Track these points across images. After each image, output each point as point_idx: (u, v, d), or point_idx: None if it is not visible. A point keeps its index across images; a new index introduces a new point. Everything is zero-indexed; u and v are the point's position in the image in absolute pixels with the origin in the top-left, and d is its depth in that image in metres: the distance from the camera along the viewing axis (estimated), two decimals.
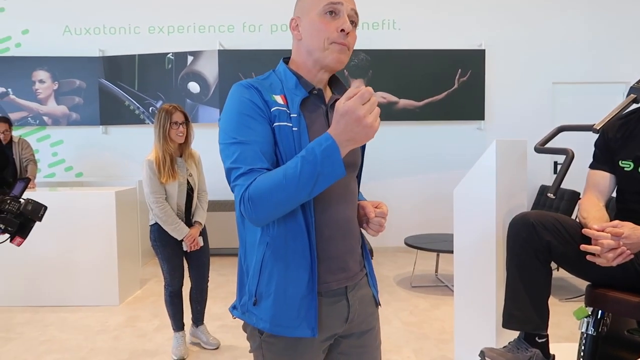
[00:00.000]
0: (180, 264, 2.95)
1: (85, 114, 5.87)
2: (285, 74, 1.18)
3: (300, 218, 1.09)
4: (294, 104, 1.11)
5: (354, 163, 1.21)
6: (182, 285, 2.98)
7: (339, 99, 1.08)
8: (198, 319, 3.14)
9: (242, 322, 1.20)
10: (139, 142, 5.93)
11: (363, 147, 1.25)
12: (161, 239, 2.85)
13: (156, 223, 2.85)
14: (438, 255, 4.63)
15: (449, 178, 5.57)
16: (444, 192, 5.38)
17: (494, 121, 5.87)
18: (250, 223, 1.08)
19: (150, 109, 5.81)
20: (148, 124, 5.83)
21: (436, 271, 4.72)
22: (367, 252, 1.30)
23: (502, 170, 2.24)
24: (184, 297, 3.03)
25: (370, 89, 0.95)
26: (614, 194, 1.91)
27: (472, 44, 5.81)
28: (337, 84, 1.25)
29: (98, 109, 5.85)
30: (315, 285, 1.10)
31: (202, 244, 2.96)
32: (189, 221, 2.95)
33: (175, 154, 2.89)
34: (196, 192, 3.00)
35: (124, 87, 5.82)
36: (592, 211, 1.75)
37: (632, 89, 2.29)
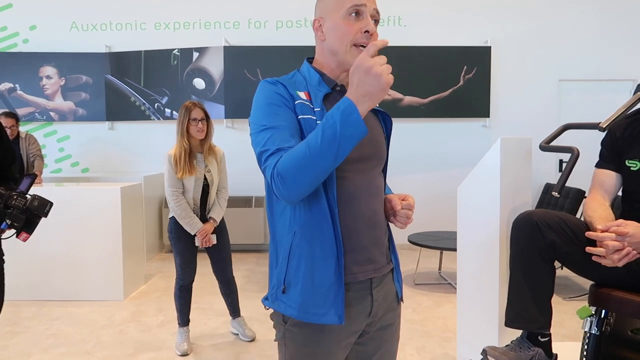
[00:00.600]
0: (193, 258, 3.00)
1: (92, 110, 5.90)
2: (309, 72, 1.22)
3: (325, 209, 1.11)
4: (317, 99, 1.15)
5: (379, 156, 1.24)
6: (192, 280, 3.02)
7: None
8: (234, 311, 3.21)
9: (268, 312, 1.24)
10: (144, 138, 5.96)
11: (388, 142, 1.29)
12: (177, 232, 2.92)
13: (174, 216, 2.92)
14: (441, 253, 4.63)
15: (454, 175, 5.56)
16: (449, 189, 5.37)
17: (499, 118, 5.85)
18: (284, 201, 1.09)
19: (156, 105, 5.83)
20: (153, 119, 5.85)
21: (439, 269, 4.72)
22: (393, 246, 1.31)
23: (506, 168, 2.23)
24: (195, 293, 3.05)
25: (378, 43, 0.96)
26: (620, 193, 1.90)
27: (478, 40, 5.79)
28: None
29: (104, 105, 5.88)
30: (342, 273, 1.12)
31: (214, 241, 2.99)
32: (204, 216, 3.01)
33: (195, 149, 2.95)
34: (214, 188, 3.03)
35: (130, 83, 5.84)
36: (598, 210, 1.74)
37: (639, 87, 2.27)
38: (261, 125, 1.10)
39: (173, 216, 2.93)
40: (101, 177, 5.54)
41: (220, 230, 3.05)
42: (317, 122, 1.10)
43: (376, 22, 1.17)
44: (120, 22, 5.89)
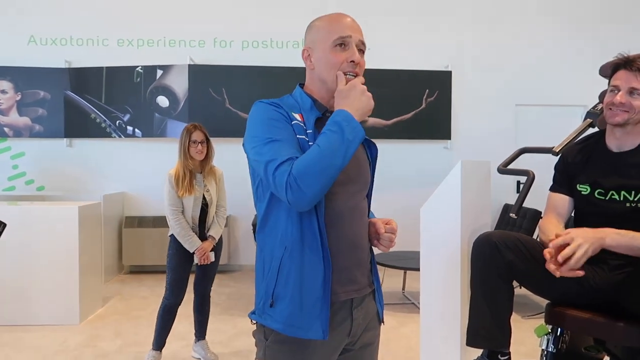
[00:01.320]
0: (184, 277, 2.98)
1: (49, 126, 5.72)
2: (301, 97, 1.28)
3: (315, 227, 1.17)
4: (310, 122, 1.22)
5: (364, 181, 1.30)
6: (179, 302, 2.97)
7: None
8: (200, 332, 3.16)
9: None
10: (105, 156, 5.81)
11: (373, 167, 1.35)
12: (174, 249, 2.96)
13: (173, 234, 2.98)
14: (405, 272, 4.67)
15: (417, 196, 5.62)
16: (412, 209, 5.41)
17: (460, 140, 6.02)
18: (296, 207, 1.12)
19: (117, 122, 5.71)
20: (114, 137, 5.72)
21: (403, 289, 4.76)
22: (376, 269, 1.36)
23: (467, 189, 2.29)
24: (182, 316, 2.99)
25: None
26: (573, 214, 1.97)
27: (439, 65, 5.97)
28: None
29: (63, 121, 5.71)
30: (329, 290, 1.17)
31: (213, 259, 3.03)
32: (203, 235, 3.05)
33: (195, 170, 3.01)
34: (212, 207, 3.09)
35: (91, 99, 5.71)
36: (552, 231, 1.80)
37: (589, 114, 2.40)
38: (266, 138, 1.15)
39: (172, 234, 2.97)
40: (58, 195, 5.34)
41: (217, 248, 3.10)
42: (310, 143, 1.16)
43: (362, 52, 1.25)
44: (82, 37, 5.78)
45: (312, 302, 1.16)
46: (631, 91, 1.71)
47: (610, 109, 1.74)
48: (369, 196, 1.35)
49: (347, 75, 1.21)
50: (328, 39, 1.22)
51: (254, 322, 1.25)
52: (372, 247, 1.35)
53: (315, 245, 1.16)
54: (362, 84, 1.16)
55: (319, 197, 1.12)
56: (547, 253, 1.57)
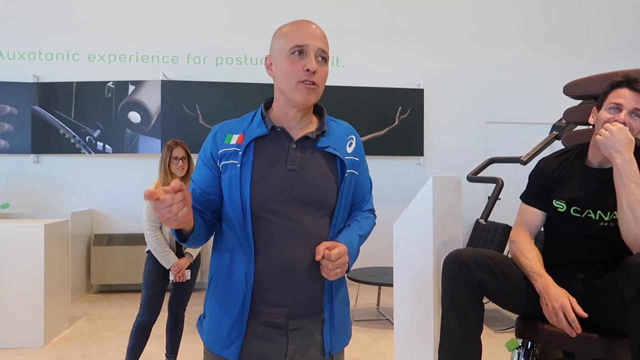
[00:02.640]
0: (159, 295, 2.91)
1: (15, 142, 5.56)
2: (257, 114, 1.27)
3: (238, 246, 1.19)
4: (247, 140, 1.20)
5: (318, 202, 1.21)
6: (153, 320, 2.89)
7: (309, 136, 1.22)
8: (172, 351, 3.08)
9: None
10: (73, 172, 5.68)
11: (337, 189, 1.24)
12: (151, 265, 2.91)
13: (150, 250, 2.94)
14: (379, 288, 4.67)
15: (390, 211, 5.65)
16: (385, 225, 5.45)
17: (432, 157, 6.11)
18: None
19: (87, 137, 5.59)
20: (84, 153, 5.60)
21: (377, 305, 4.75)
22: (332, 298, 1.25)
23: (438, 204, 2.32)
24: (152, 337, 2.92)
25: None
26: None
27: (411, 83, 6.08)
28: (322, 119, 1.29)
29: (30, 137, 5.56)
30: (247, 312, 1.17)
31: (188, 277, 2.99)
32: (180, 252, 3.01)
33: None
34: None
35: (60, 114, 5.58)
36: (528, 249, 1.82)
37: (555, 127, 2.48)
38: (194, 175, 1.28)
39: (149, 250, 2.93)
40: (24, 213, 5.17)
41: (194, 266, 3.05)
42: (237, 165, 1.18)
43: (324, 59, 1.21)
44: (51, 51, 5.67)
45: (230, 323, 1.18)
46: (633, 112, 1.68)
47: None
48: (337, 218, 1.24)
49: (305, 83, 1.17)
50: (286, 47, 1.18)
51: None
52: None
53: (239, 266, 1.18)
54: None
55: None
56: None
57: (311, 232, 1.20)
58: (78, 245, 5.14)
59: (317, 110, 1.32)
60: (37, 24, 5.65)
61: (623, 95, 1.69)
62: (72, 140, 5.60)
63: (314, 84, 1.17)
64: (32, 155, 5.60)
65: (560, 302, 1.61)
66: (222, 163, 1.20)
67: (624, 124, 1.66)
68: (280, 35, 1.21)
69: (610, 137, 1.64)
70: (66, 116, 5.59)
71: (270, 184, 1.17)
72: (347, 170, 1.25)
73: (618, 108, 1.70)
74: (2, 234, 3.67)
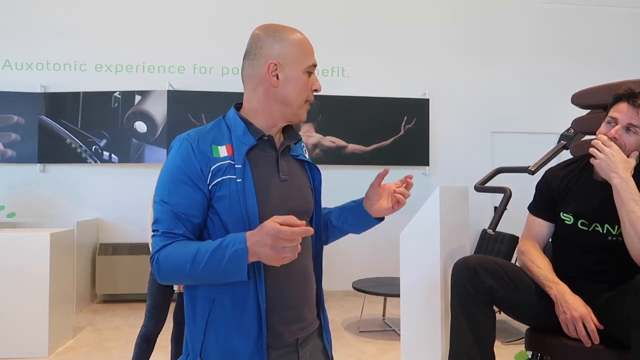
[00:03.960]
0: (164, 305, 2.87)
1: (22, 151, 5.59)
2: (234, 121, 1.17)
3: (246, 272, 1.05)
4: (241, 154, 1.11)
5: (307, 210, 1.22)
6: (158, 331, 2.86)
7: (289, 145, 1.19)
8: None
9: None
10: (79, 182, 5.69)
11: (317, 193, 1.26)
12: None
13: None
14: (385, 299, 4.63)
15: (396, 221, 5.60)
16: (391, 235, 5.43)
17: (437, 167, 6.09)
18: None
19: (94, 147, 5.62)
20: (90, 162, 5.62)
21: (383, 315, 4.71)
22: (322, 302, 1.27)
23: (445, 214, 2.30)
24: (157, 347, 2.90)
25: (303, 230, 0.98)
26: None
27: (417, 93, 6.08)
28: (289, 128, 1.27)
29: (36, 146, 5.59)
30: (265, 340, 1.08)
31: None
32: None
33: None
34: None
35: (66, 124, 5.62)
36: (538, 258, 1.81)
37: (562, 136, 2.47)
38: (159, 195, 1.11)
39: None
40: (30, 222, 5.19)
41: None
42: (237, 180, 1.08)
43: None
44: (58, 62, 5.72)
45: (248, 357, 1.08)
46: (628, 127, 1.69)
47: None
48: (315, 223, 1.26)
49: (307, 103, 1.20)
50: (303, 62, 1.15)
51: None
52: (319, 279, 1.26)
53: (248, 294, 1.08)
54: (294, 239, 0.98)
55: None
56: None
57: (308, 241, 1.21)
58: (83, 254, 5.14)
59: None
60: (44, 35, 5.70)
61: (620, 110, 1.70)
62: (79, 150, 5.62)
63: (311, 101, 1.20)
64: (38, 164, 5.63)
65: (580, 312, 1.60)
66: (217, 180, 1.09)
67: (614, 138, 1.68)
68: (294, 46, 1.16)
69: (606, 159, 1.65)
70: (73, 126, 5.62)
71: (273, 197, 1.13)
72: (319, 174, 1.28)
73: (614, 122, 1.71)
74: (8, 243, 3.68)
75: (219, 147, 1.12)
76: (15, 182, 5.64)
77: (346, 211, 1.34)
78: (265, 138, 1.16)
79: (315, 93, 1.21)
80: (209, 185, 1.09)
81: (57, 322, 3.80)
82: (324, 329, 1.25)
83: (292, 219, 0.98)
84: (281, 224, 0.97)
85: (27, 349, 3.61)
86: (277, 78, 1.14)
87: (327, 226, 1.37)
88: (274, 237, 0.96)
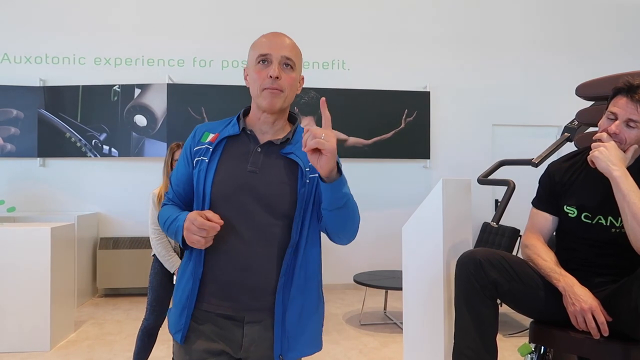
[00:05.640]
0: (165, 298, 2.88)
1: (22, 145, 5.57)
2: (236, 116, 1.37)
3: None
4: (220, 138, 1.31)
5: (273, 205, 1.25)
6: (159, 324, 2.87)
7: (273, 141, 1.30)
8: None
9: None
10: (79, 176, 5.68)
11: (296, 195, 1.26)
12: (156, 269, 2.89)
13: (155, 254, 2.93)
14: (387, 292, 4.64)
15: (396, 215, 5.66)
16: (392, 228, 5.45)
17: (438, 160, 6.08)
18: None
19: (93, 141, 5.60)
20: (90, 156, 5.60)
21: (385, 308, 4.72)
22: (288, 300, 1.26)
23: (448, 207, 2.29)
24: (159, 341, 2.91)
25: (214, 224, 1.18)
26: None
27: (417, 85, 6.05)
28: (292, 128, 1.36)
29: (36, 140, 5.56)
30: (194, 300, 1.28)
31: None
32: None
33: None
34: None
35: (66, 118, 5.59)
36: (544, 251, 1.80)
37: (566, 128, 2.45)
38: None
39: (155, 254, 2.91)
40: (30, 216, 5.18)
41: None
42: (205, 161, 1.29)
43: (291, 67, 1.29)
44: (57, 55, 5.69)
45: (180, 309, 1.30)
46: (628, 122, 1.68)
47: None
48: (299, 223, 1.26)
49: (270, 90, 1.26)
50: (253, 57, 1.30)
51: None
52: (290, 273, 1.26)
53: (196, 259, 1.28)
54: (212, 231, 1.20)
55: None
56: None
57: (268, 233, 1.26)
58: (84, 248, 5.14)
59: (293, 118, 1.41)
60: (43, 28, 5.66)
61: (620, 105, 1.69)
62: (78, 144, 5.60)
63: (277, 89, 1.26)
64: (38, 158, 5.61)
65: (589, 304, 1.59)
66: (195, 159, 1.31)
67: (615, 134, 1.67)
68: (251, 48, 1.33)
69: (605, 152, 1.66)
70: (72, 120, 5.60)
71: (230, 181, 1.27)
72: (310, 176, 1.27)
73: (614, 117, 1.70)
74: (9, 238, 3.67)
75: (209, 134, 1.34)
76: (15, 177, 5.63)
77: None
78: (248, 132, 1.32)
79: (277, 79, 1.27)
80: (193, 163, 1.32)
81: (58, 316, 3.81)
82: (276, 324, 1.26)
83: (212, 215, 1.18)
84: (206, 217, 1.18)
85: (29, 343, 3.61)
86: (247, 80, 1.34)
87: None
88: (190, 222, 1.19)
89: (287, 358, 1.28)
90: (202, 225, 1.16)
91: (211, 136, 1.32)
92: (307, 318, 1.31)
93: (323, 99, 1.17)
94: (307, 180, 1.28)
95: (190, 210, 1.30)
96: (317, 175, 1.23)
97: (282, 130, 1.34)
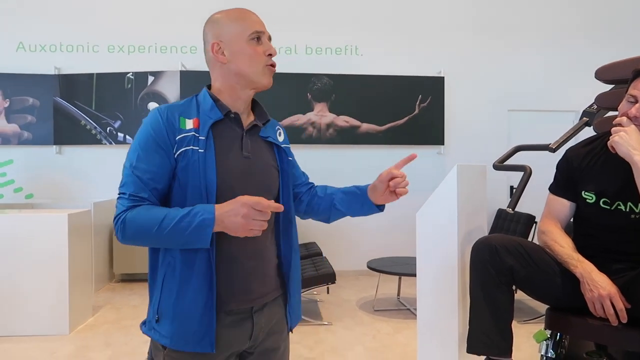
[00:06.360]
0: None
1: (38, 133, 5.64)
2: (204, 98, 1.24)
3: None
4: (205, 126, 1.18)
5: (268, 189, 1.26)
6: None
7: (257, 125, 1.22)
8: None
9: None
10: (95, 163, 5.74)
11: (284, 175, 1.30)
12: None
13: None
14: (400, 278, 4.64)
15: (411, 201, 5.58)
16: (406, 215, 5.41)
17: (453, 146, 6.02)
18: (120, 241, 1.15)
19: (108, 129, 5.65)
20: (105, 144, 5.66)
21: (398, 295, 4.72)
22: (290, 275, 1.31)
23: (463, 193, 2.27)
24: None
25: (272, 205, 1.07)
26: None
27: (431, 71, 5.98)
28: (259, 109, 1.33)
29: (52, 128, 5.63)
30: (214, 303, 1.15)
31: None
32: None
33: None
34: None
35: (81, 106, 5.64)
36: (561, 237, 1.79)
37: (585, 113, 2.40)
38: (129, 161, 1.16)
39: None
40: (47, 203, 5.26)
41: None
42: (199, 151, 1.15)
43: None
44: (71, 43, 5.72)
45: (198, 318, 1.15)
46: None
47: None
48: (284, 204, 1.27)
49: (271, 67, 1.24)
50: (244, 33, 1.21)
51: (143, 333, 1.24)
52: (288, 256, 1.31)
53: (202, 260, 1.14)
54: (266, 214, 1.07)
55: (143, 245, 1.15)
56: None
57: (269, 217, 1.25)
58: (100, 234, 5.21)
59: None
60: (57, 17, 5.69)
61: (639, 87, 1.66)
62: (94, 132, 5.66)
63: (273, 66, 1.25)
64: (54, 146, 5.68)
65: (608, 290, 1.57)
66: (181, 149, 1.15)
67: (636, 117, 1.64)
68: (230, 21, 1.23)
69: (626, 137, 1.62)
70: (87, 107, 5.65)
71: (233, 170, 1.19)
72: (288, 158, 1.34)
73: (634, 99, 1.67)
74: (27, 224, 3.74)
75: (186, 119, 1.19)
76: (33, 164, 5.71)
77: (351, 197, 1.41)
78: (232, 115, 1.23)
79: (273, 57, 1.25)
80: (175, 154, 1.16)
81: (77, 300, 3.88)
82: (289, 298, 1.31)
83: (262, 199, 1.06)
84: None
85: (48, 327, 3.69)
86: (224, 55, 1.22)
87: (331, 208, 1.43)
88: (250, 208, 1.05)
89: (292, 327, 1.36)
90: (267, 208, 1.06)
91: (190, 122, 1.19)
92: (298, 287, 1.37)
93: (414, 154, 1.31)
94: (290, 158, 1.35)
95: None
96: (290, 158, 1.35)
97: (250, 112, 1.31)
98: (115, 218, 1.12)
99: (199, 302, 1.14)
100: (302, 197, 1.45)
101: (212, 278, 1.14)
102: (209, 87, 1.28)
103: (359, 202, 1.40)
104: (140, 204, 1.12)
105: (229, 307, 1.18)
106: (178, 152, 1.15)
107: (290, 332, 1.35)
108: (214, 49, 1.22)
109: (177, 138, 1.16)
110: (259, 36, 1.22)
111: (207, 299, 1.14)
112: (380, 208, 1.41)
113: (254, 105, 1.32)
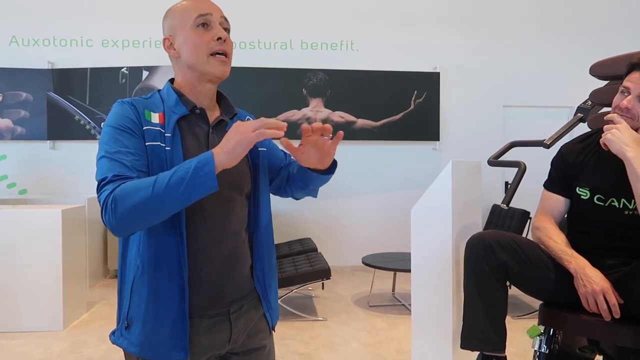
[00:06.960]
0: None
1: (32, 128, 5.60)
2: (168, 93, 1.17)
3: (172, 241, 1.08)
4: (171, 122, 1.11)
5: (238, 186, 1.18)
6: None
7: (224, 120, 1.17)
8: None
9: None
10: (89, 158, 5.68)
11: (256, 171, 1.23)
12: None
13: None
14: (395, 274, 4.65)
15: (406, 197, 5.64)
16: (401, 210, 5.44)
17: (448, 142, 6.03)
18: (111, 231, 1.03)
19: (102, 123, 5.60)
20: (99, 139, 5.62)
21: (393, 290, 4.73)
22: (264, 274, 1.25)
23: (457, 189, 2.27)
24: None
25: (269, 121, 1.00)
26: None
27: (427, 66, 5.98)
28: (225, 103, 1.25)
29: (45, 123, 5.60)
30: (186, 308, 1.09)
31: None
32: None
33: None
34: None
35: (74, 101, 5.61)
36: (555, 233, 1.79)
37: (579, 109, 2.41)
38: (104, 150, 1.07)
39: None
40: (41, 199, 5.23)
41: None
42: (166, 148, 1.08)
43: (227, 30, 1.19)
44: (65, 38, 5.68)
45: (171, 324, 1.09)
46: None
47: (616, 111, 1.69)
48: (257, 198, 1.23)
49: (217, 56, 1.14)
50: (187, 20, 1.13)
51: (113, 343, 1.17)
52: (264, 254, 1.25)
53: (172, 262, 1.08)
54: (254, 128, 0.99)
55: (136, 230, 1.05)
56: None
57: (240, 216, 1.20)
58: (94, 230, 5.19)
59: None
60: (50, 11, 5.65)
61: (634, 79, 1.67)
62: (87, 127, 5.62)
63: (225, 55, 1.15)
64: (48, 141, 5.65)
65: (601, 285, 1.58)
66: (148, 143, 1.08)
67: (627, 109, 1.65)
68: (176, 12, 1.17)
69: (618, 134, 1.62)
70: (81, 102, 5.61)
71: None
72: (259, 149, 1.24)
73: (627, 91, 1.68)
74: (20, 220, 3.71)
75: (152, 112, 1.12)
76: (26, 159, 5.68)
77: (301, 172, 1.28)
78: (197, 111, 1.16)
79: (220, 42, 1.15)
80: (144, 142, 1.09)
81: (71, 296, 3.86)
82: (262, 299, 1.25)
83: (257, 121, 1.01)
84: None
85: (43, 323, 3.68)
86: (175, 49, 1.16)
87: (289, 178, 1.33)
88: (241, 124, 1.00)
89: (274, 325, 1.31)
90: (276, 124, 0.99)
91: (156, 116, 1.12)
92: (275, 283, 1.31)
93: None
94: (258, 153, 1.24)
95: None
96: (265, 149, 1.26)
97: (216, 105, 1.23)
98: (102, 204, 1.01)
99: (170, 307, 1.09)
100: (288, 177, 1.34)
101: (184, 281, 1.09)
102: (172, 81, 1.21)
103: (305, 174, 1.26)
104: (130, 178, 1.03)
105: (203, 311, 1.13)
106: (146, 144, 1.08)
107: (272, 331, 1.30)
108: (166, 45, 1.17)
109: (144, 129, 1.09)
110: (204, 21, 1.13)
111: (179, 303, 1.09)
112: (326, 172, 1.24)
113: (220, 98, 1.25)
